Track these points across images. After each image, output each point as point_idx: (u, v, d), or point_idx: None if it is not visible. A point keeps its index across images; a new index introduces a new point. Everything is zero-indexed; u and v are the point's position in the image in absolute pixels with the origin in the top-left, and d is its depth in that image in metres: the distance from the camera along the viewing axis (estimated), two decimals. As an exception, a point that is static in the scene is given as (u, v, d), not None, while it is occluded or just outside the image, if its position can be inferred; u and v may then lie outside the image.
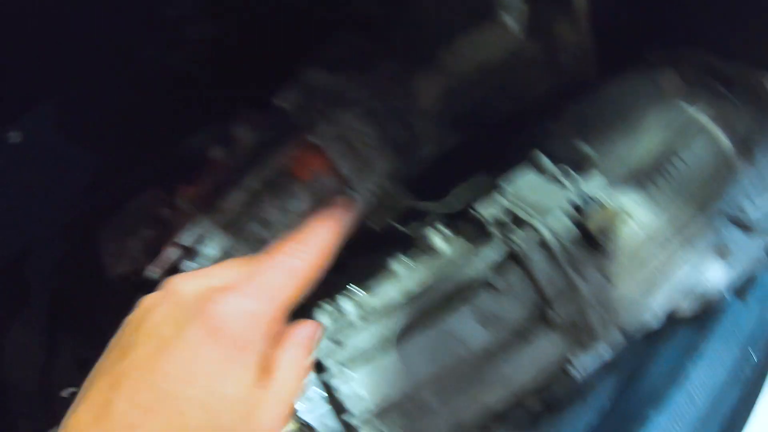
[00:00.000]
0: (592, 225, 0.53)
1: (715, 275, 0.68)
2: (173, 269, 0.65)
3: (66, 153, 0.84)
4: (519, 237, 0.53)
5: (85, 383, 0.29)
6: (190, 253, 0.64)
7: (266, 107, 0.65)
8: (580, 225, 0.54)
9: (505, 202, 0.57)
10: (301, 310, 0.70)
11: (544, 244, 0.53)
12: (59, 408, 0.30)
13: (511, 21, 0.66)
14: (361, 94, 0.61)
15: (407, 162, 0.63)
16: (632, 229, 0.57)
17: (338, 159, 0.61)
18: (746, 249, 0.66)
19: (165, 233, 0.66)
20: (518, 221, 0.55)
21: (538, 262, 0.52)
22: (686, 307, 0.70)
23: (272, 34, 0.70)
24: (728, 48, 0.69)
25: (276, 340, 0.35)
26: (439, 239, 0.59)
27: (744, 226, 0.64)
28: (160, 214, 0.66)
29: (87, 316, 0.80)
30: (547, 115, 0.73)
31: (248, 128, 0.64)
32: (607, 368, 0.81)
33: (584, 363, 0.54)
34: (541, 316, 0.52)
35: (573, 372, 0.54)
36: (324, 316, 0.59)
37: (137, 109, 0.82)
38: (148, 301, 0.33)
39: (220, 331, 0.29)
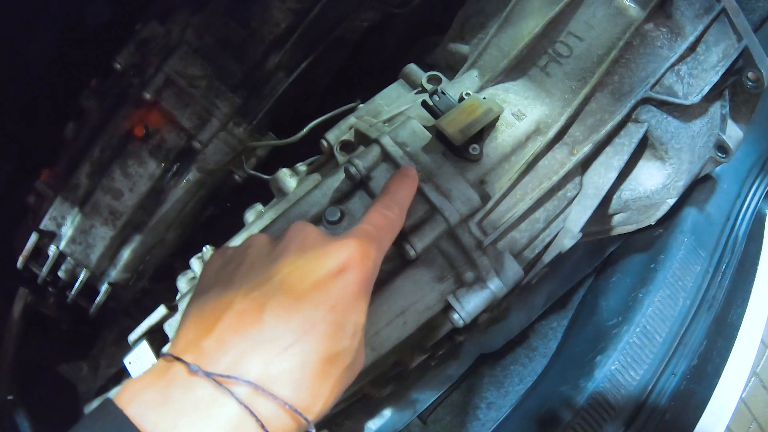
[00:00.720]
0: (449, 127, 0.36)
1: (651, 179, 0.48)
2: (39, 255, 0.54)
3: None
4: (360, 156, 0.37)
5: (205, 304, 0.26)
6: (50, 236, 0.52)
7: (109, 72, 0.52)
8: (436, 130, 0.37)
9: (355, 121, 0.41)
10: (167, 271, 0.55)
11: (389, 159, 0.36)
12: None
13: None
14: (192, 36, 0.47)
15: (256, 98, 0.48)
16: (513, 127, 0.39)
17: (175, 110, 0.47)
18: (688, 141, 0.46)
19: (34, 220, 0.54)
20: (365, 139, 0.39)
21: (382, 182, 0.36)
22: (621, 221, 0.50)
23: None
24: None
25: None
26: (289, 179, 0.43)
27: (677, 110, 0.44)
28: (27, 203, 0.54)
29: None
30: (435, 30, 0.55)
31: (95, 99, 0.52)
32: (554, 308, 0.62)
33: (469, 303, 0.37)
34: (398, 251, 0.36)
35: (454, 317, 0.37)
36: (182, 280, 0.45)
37: (50, 115, 0.71)
38: (262, 237, 0.30)
39: (359, 267, 0.27)
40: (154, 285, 0.57)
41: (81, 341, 0.64)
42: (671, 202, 0.49)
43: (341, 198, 0.38)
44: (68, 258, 0.51)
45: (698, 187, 0.59)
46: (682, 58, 0.44)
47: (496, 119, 0.39)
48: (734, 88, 0.50)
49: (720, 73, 0.45)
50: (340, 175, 0.38)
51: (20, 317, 0.55)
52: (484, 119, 0.37)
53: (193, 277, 0.45)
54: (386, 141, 0.37)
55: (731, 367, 0.56)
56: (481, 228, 0.37)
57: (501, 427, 0.55)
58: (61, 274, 0.52)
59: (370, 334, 0.37)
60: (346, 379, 0.27)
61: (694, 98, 0.44)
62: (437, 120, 0.36)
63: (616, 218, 0.49)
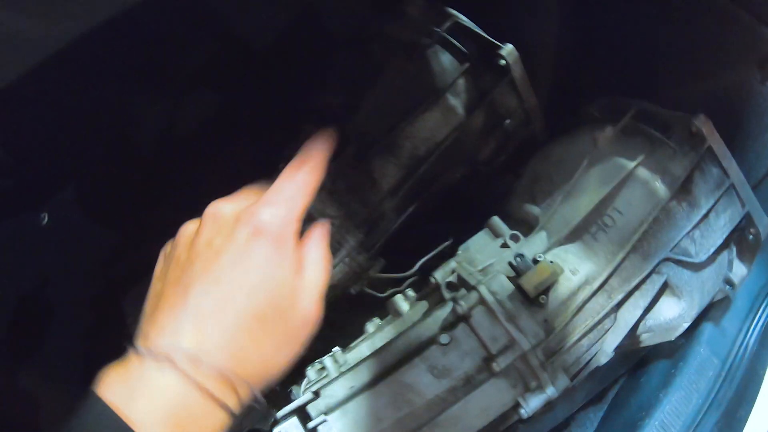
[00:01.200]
0: (526, 284, 0.70)
1: (669, 311, 0.82)
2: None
3: (87, 230, 1.11)
4: (464, 298, 0.72)
5: (150, 300, 0.40)
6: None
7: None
8: (518, 285, 0.72)
9: (456, 266, 0.76)
10: (299, 364, 0.91)
11: (485, 303, 0.71)
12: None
13: (456, 101, 0.84)
14: (327, 180, 0.82)
15: (372, 234, 0.83)
16: (569, 280, 0.74)
17: (313, 237, 0.82)
18: (698, 285, 0.81)
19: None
20: (465, 284, 0.74)
21: (479, 319, 0.70)
22: (646, 338, 0.85)
23: (252, 128, 0.92)
24: (662, 88, 0.85)
25: (297, 240, 0.45)
26: (403, 303, 0.78)
27: (690, 266, 0.79)
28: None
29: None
30: (504, 170, 0.91)
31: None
32: (593, 401, 0.97)
33: (531, 404, 0.71)
34: (486, 365, 0.70)
35: (521, 411, 0.72)
36: (311, 370, 0.80)
37: (151, 186, 1.07)
38: (190, 226, 0.45)
39: (263, 232, 0.39)
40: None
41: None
42: (686, 325, 0.83)
43: (448, 327, 0.72)
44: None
45: (716, 305, 0.93)
46: (696, 226, 0.79)
47: (558, 275, 0.74)
48: (739, 239, 0.85)
49: (725, 235, 0.80)
50: (447, 308, 0.73)
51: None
52: (551, 279, 0.72)
53: (322, 368, 0.80)
54: (483, 290, 0.71)
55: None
56: (544, 353, 0.72)
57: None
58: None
59: (463, 421, 0.71)
60: (289, 335, 0.38)
61: (703, 257, 0.78)
62: (519, 279, 0.71)
63: (643, 336, 0.84)
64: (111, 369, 0.37)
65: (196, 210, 1.07)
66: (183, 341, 0.36)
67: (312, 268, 0.44)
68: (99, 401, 0.34)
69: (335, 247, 0.81)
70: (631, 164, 0.77)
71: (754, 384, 0.94)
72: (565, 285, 0.73)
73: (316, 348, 0.81)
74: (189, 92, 1.07)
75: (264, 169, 0.85)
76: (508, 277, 0.72)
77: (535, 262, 0.72)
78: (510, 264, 0.72)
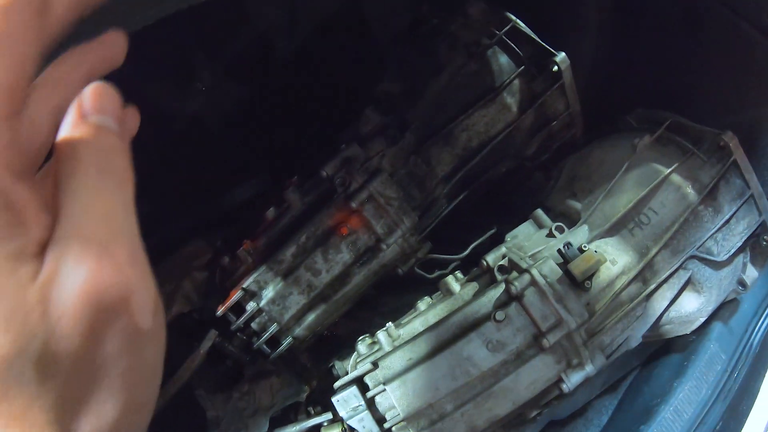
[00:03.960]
0: (575, 269, 0.79)
1: (690, 305, 0.92)
2: (237, 308, 0.93)
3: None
4: (517, 280, 0.79)
5: None
6: (252, 295, 0.91)
7: (311, 175, 0.93)
8: (566, 269, 0.80)
9: (507, 252, 0.84)
10: (343, 340, 0.97)
11: (536, 285, 0.79)
12: None
13: (510, 99, 0.93)
14: (387, 164, 0.89)
15: (425, 218, 0.90)
16: (609, 269, 0.83)
17: (372, 219, 0.88)
18: (717, 282, 0.91)
19: (224, 278, 0.94)
20: (517, 267, 0.82)
21: (531, 299, 0.78)
22: (667, 330, 0.95)
23: (308, 107, 0.98)
24: (690, 104, 0.95)
25: (31, 174, 0.28)
26: (455, 283, 0.86)
27: (711, 263, 0.89)
28: (219, 261, 0.94)
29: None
30: (541, 168, 1.00)
31: (297, 193, 0.92)
32: (608, 390, 1.07)
33: (573, 379, 0.80)
34: (536, 342, 0.78)
35: (563, 386, 0.80)
36: (362, 344, 0.86)
37: (179, 165, 1.11)
38: None
39: None
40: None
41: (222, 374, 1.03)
42: (702, 319, 0.93)
43: (502, 305, 0.80)
44: (264, 314, 0.90)
45: (725, 306, 1.04)
46: (719, 229, 0.90)
47: (601, 264, 0.82)
48: (754, 245, 0.96)
49: (744, 239, 0.91)
50: (500, 288, 0.81)
51: (205, 353, 0.94)
52: (595, 266, 0.80)
53: (372, 342, 0.86)
54: (535, 273, 0.79)
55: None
56: (586, 332, 0.80)
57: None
58: (254, 325, 0.91)
59: (514, 393, 0.78)
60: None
61: (724, 257, 0.89)
62: (568, 264, 0.80)
63: (664, 328, 0.94)
64: None
65: (224, 191, 1.10)
66: None
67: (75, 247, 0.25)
68: None
69: (392, 227, 0.87)
70: (666, 170, 0.87)
71: (756, 381, 1.04)
72: (606, 273, 0.82)
73: (351, 324, 0.88)
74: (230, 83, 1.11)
75: (325, 151, 0.91)
76: (557, 263, 0.80)
77: (581, 251, 0.80)
78: (558, 251, 0.81)
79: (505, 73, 0.91)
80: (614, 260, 0.84)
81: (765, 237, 0.93)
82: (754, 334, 1.03)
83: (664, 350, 1.03)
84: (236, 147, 1.10)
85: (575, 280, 0.79)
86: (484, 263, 0.84)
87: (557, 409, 1.01)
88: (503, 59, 0.91)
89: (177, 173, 1.11)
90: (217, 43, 1.05)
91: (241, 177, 1.11)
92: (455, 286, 0.85)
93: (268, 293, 0.89)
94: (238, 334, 0.92)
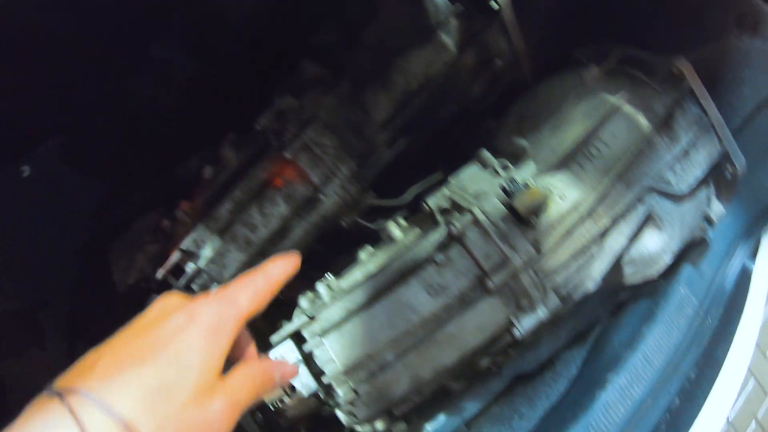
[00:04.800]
0: (519, 204, 0.72)
1: (652, 243, 0.85)
2: (177, 270, 0.86)
3: (73, 183, 1.08)
4: (457, 220, 0.73)
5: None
6: (190, 255, 0.85)
7: (247, 130, 0.86)
8: (509, 206, 0.73)
9: (449, 193, 0.77)
10: (287, 300, 0.90)
11: (478, 224, 0.72)
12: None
13: (448, 39, 0.86)
14: (322, 112, 0.82)
15: (366, 165, 0.84)
16: (558, 204, 0.76)
17: (308, 169, 0.82)
18: (679, 217, 0.84)
19: (167, 243, 0.87)
20: (458, 207, 0.75)
21: (473, 239, 0.71)
22: (631, 273, 0.87)
23: (247, 67, 0.92)
24: (648, 39, 0.88)
25: (237, 347, 0.47)
26: (396, 229, 0.79)
27: (671, 196, 0.81)
28: (162, 226, 0.88)
29: (103, 327, 1.03)
30: (492, 114, 0.93)
31: (233, 150, 0.86)
32: (577, 342, 0.99)
33: (524, 323, 0.72)
34: (480, 283, 0.71)
35: (515, 331, 0.72)
36: (304, 299, 0.79)
37: (135, 140, 1.06)
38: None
39: (196, 318, 0.41)
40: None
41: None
42: (667, 260, 0.86)
43: (443, 248, 0.73)
44: (204, 274, 0.84)
45: (694, 248, 0.96)
46: (677, 159, 0.82)
47: (547, 201, 0.75)
48: (717, 177, 0.88)
49: (704, 170, 0.83)
50: (442, 231, 0.74)
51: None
52: (541, 201, 0.73)
53: (314, 297, 0.79)
54: (476, 211, 0.72)
55: (716, 393, 0.93)
56: (534, 272, 0.73)
57: (531, 434, 0.90)
58: (194, 287, 0.85)
59: (459, 339, 0.71)
60: (196, 416, 0.37)
61: (683, 188, 0.81)
62: (512, 200, 0.73)
63: (627, 271, 0.86)
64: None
65: (180, 161, 1.05)
66: (87, 384, 0.36)
67: (239, 378, 0.44)
68: None
69: (329, 176, 0.81)
70: (616, 99, 0.80)
71: (731, 325, 0.97)
72: (554, 209, 0.75)
73: (306, 284, 0.81)
74: (181, 43, 1.05)
75: (259, 108, 0.85)
76: (501, 201, 0.73)
77: (526, 187, 0.73)
78: (502, 188, 0.74)
79: (442, 12, 0.84)
80: (563, 195, 0.77)
81: (728, 168, 0.85)
82: (726, 276, 0.96)
83: (633, 298, 0.95)
84: (191, 118, 1.04)
85: (519, 216, 0.72)
86: (426, 206, 0.77)
87: (522, 362, 0.93)
88: (440, -2, 0.84)
89: (133, 149, 1.06)
90: (166, 13, 0.99)
91: (197, 147, 1.04)
92: (397, 233, 0.78)
93: (206, 252, 0.83)
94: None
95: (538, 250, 0.73)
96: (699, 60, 0.85)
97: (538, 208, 0.73)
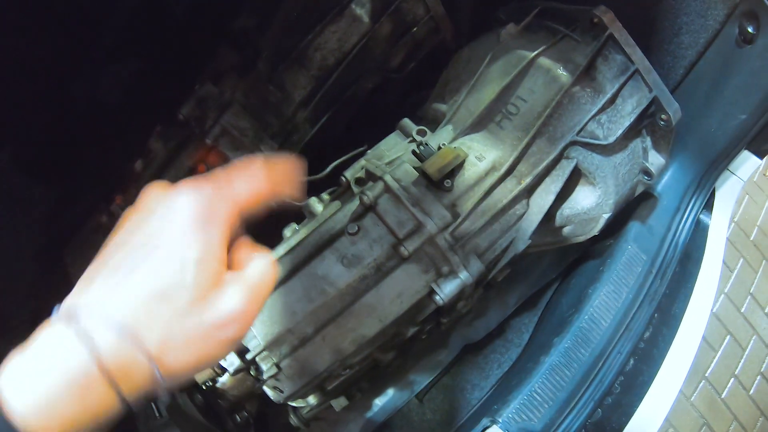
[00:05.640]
0: (429, 168, 0.68)
1: (585, 199, 0.80)
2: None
3: (25, 189, 1.08)
4: (370, 189, 0.69)
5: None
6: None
7: (173, 121, 0.85)
8: (421, 171, 0.69)
9: (364, 162, 0.74)
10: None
11: (390, 191, 0.68)
12: None
13: (361, 11, 0.83)
14: (239, 96, 0.80)
15: (287, 145, 0.81)
16: (475, 165, 0.72)
17: (230, 153, 0.80)
18: (611, 170, 0.78)
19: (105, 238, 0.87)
20: (372, 176, 0.72)
21: (385, 206, 0.68)
22: (570, 232, 0.82)
23: (173, 61, 0.91)
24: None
25: (239, 243, 0.40)
26: (318, 204, 0.76)
27: (600, 148, 0.76)
28: (100, 223, 0.87)
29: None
30: (422, 87, 0.89)
31: (161, 141, 0.85)
32: (527, 307, 0.94)
33: (446, 289, 0.68)
34: (395, 252, 0.68)
35: (436, 298, 0.69)
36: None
37: (80, 142, 1.05)
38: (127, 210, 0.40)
39: (181, 206, 0.35)
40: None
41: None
42: (606, 216, 0.80)
43: (357, 218, 0.70)
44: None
45: (642, 204, 0.90)
46: (602, 110, 0.77)
47: (463, 162, 0.71)
48: (652, 127, 0.82)
49: (633, 118, 0.78)
50: (356, 202, 0.70)
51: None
52: (454, 162, 0.69)
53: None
54: (387, 178, 0.69)
55: (674, 352, 0.87)
56: (453, 236, 0.69)
57: (483, 404, 0.86)
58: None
59: (379, 309, 0.68)
60: (202, 328, 0.33)
61: (611, 139, 0.76)
62: (422, 163, 0.69)
63: (565, 230, 0.81)
64: (18, 350, 0.33)
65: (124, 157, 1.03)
66: (89, 303, 0.34)
67: (256, 267, 0.38)
68: None
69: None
70: (532, 54, 0.76)
71: (688, 282, 0.91)
72: (472, 170, 0.71)
73: None
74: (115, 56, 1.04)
75: (182, 96, 0.83)
76: (413, 166, 0.69)
77: (439, 149, 0.70)
78: (413, 152, 0.70)
79: (354, -17, 0.81)
80: (481, 156, 0.73)
81: (662, 116, 0.79)
82: (678, 232, 0.90)
83: (582, 258, 0.90)
84: (128, 115, 1.02)
85: (432, 180, 0.69)
86: (343, 179, 0.74)
87: (471, 331, 0.89)
88: (350, -31, 0.81)
89: (79, 151, 1.05)
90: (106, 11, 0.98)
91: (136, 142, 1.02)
92: (318, 207, 0.75)
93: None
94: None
95: (455, 213, 0.69)
96: (633, 10, 0.80)
97: (451, 170, 0.69)
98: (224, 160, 0.80)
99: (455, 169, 0.70)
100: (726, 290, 1.84)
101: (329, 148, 0.85)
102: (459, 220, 0.69)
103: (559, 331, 0.81)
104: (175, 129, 0.84)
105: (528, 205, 0.75)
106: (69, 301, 0.34)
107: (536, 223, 0.74)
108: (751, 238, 2.04)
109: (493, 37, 0.81)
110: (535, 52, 0.75)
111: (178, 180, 0.82)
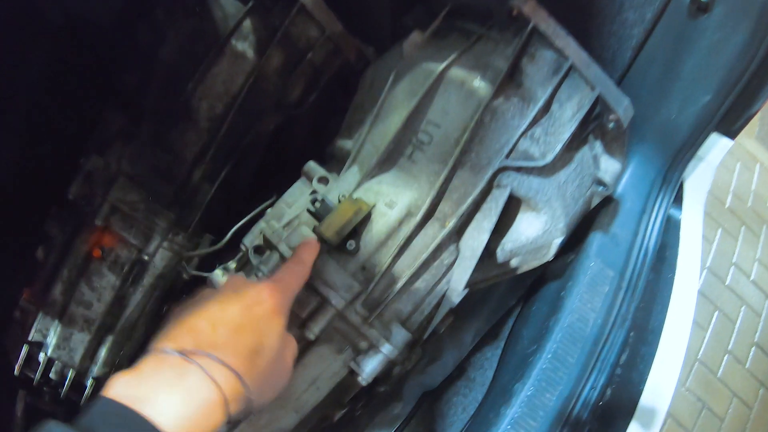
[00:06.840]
0: (326, 231, 0.54)
1: (530, 229, 0.64)
2: (32, 361, 0.75)
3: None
4: (263, 263, 0.56)
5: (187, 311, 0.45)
6: (39, 346, 0.73)
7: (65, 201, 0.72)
8: (319, 235, 0.55)
9: (263, 225, 0.60)
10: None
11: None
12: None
13: (243, 45, 0.68)
14: (125, 166, 0.67)
15: (191, 209, 0.68)
16: (385, 216, 0.57)
17: (124, 232, 0.67)
18: (555, 191, 0.62)
19: (23, 335, 0.76)
20: (269, 244, 0.58)
21: (282, 282, 0.54)
22: (521, 262, 0.67)
23: (55, 129, 0.77)
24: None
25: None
26: (221, 278, 0.63)
27: (536, 171, 0.60)
28: (13, 319, 0.76)
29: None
30: (334, 114, 0.74)
31: (56, 225, 0.72)
32: (487, 341, 0.79)
33: (367, 367, 0.55)
34: (301, 334, 0.54)
35: (358, 378, 0.55)
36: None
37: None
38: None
39: (266, 300, 0.46)
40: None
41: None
42: (558, 241, 0.65)
43: (255, 297, 0.56)
44: (56, 362, 0.72)
45: (602, 211, 0.74)
46: (535, 122, 0.60)
47: (368, 215, 0.56)
48: (601, 130, 0.65)
49: (575, 126, 0.61)
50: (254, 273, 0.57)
51: (22, 416, 0.77)
52: (355, 219, 0.55)
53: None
54: (283, 248, 0.55)
55: (657, 369, 0.72)
56: (366, 306, 0.55)
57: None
58: (52, 375, 0.73)
59: (293, 400, 0.55)
60: (276, 376, 0.46)
61: (550, 157, 0.60)
62: (317, 227, 0.55)
63: (513, 262, 0.66)
64: (121, 375, 0.39)
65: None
66: (203, 347, 0.42)
67: (293, 342, 0.50)
68: (111, 402, 0.36)
69: (147, 234, 0.66)
70: (441, 66, 0.59)
71: (663, 290, 0.75)
72: (382, 222, 0.57)
73: None
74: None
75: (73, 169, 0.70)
76: (311, 229, 0.55)
77: (340, 202, 0.55)
78: (310, 212, 0.56)
79: (232, 17, 0.66)
80: (391, 202, 0.58)
81: (610, 116, 0.63)
82: (648, 235, 0.73)
83: (542, 279, 0.75)
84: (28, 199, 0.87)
85: (332, 245, 0.54)
86: (242, 247, 0.60)
87: (426, 378, 0.76)
88: (227, 2, 0.66)
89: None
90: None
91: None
92: (221, 281, 0.62)
93: (52, 340, 0.71)
94: (44, 388, 0.75)
95: (367, 278, 0.55)
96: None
97: (353, 229, 0.55)
98: (120, 240, 0.67)
99: (359, 225, 0.55)
100: (708, 264, 1.65)
101: (240, 203, 0.72)
102: (371, 286, 0.55)
103: (520, 375, 0.67)
104: (68, 210, 0.72)
105: (458, 250, 0.60)
106: (180, 342, 0.41)
107: (470, 269, 0.59)
108: (727, 206, 1.83)
109: (393, 54, 0.65)
110: (445, 63, 0.59)
111: (77, 267, 0.69)
